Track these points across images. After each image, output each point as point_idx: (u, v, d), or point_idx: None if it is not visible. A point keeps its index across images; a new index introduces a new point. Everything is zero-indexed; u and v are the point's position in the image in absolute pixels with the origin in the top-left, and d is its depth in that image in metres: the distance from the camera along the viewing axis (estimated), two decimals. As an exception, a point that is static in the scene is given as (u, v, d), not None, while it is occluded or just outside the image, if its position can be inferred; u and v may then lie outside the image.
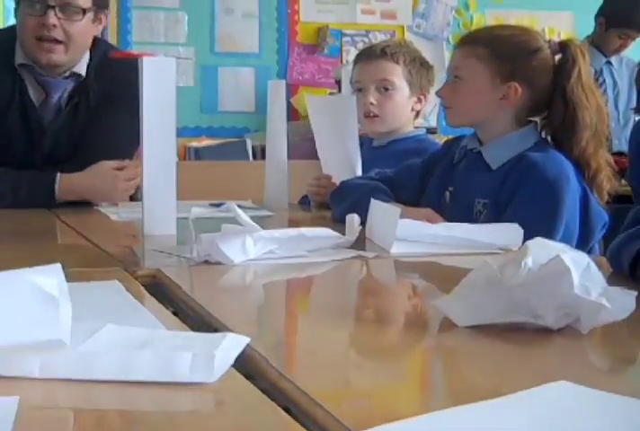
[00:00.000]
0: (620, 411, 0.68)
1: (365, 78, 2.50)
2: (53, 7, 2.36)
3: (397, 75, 2.47)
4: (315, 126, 2.36)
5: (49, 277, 0.75)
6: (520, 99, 1.88)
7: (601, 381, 0.79)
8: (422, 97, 2.50)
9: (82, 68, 2.48)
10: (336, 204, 2.07)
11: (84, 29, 2.42)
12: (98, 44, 2.53)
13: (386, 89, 2.47)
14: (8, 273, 0.76)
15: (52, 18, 2.36)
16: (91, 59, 2.49)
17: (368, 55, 2.52)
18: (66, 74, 2.48)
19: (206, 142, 4.71)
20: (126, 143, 2.50)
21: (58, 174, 2.37)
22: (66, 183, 2.38)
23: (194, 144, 4.67)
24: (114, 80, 2.49)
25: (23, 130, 2.48)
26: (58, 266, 0.77)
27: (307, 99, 2.55)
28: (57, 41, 2.38)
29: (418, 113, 2.58)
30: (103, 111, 2.50)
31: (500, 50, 1.91)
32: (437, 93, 2.08)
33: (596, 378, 0.80)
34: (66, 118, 2.49)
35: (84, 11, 2.39)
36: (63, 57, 2.42)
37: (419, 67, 2.51)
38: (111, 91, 2.50)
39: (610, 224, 1.84)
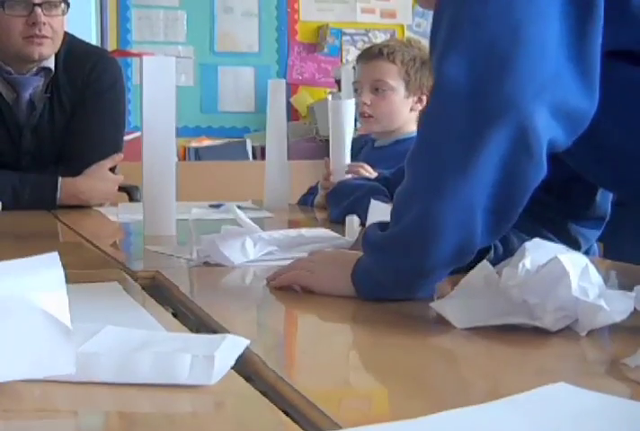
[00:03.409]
0: (619, 413, 0.68)
1: (361, 78, 2.54)
2: (40, 5, 2.36)
3: (392, 76, 2.48)
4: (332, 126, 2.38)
5: (60, 303, 0.73)
6: None
7: (600, 383, 0.79)
8: (423, 97, 2.50)
9: (51, 62, 2.49)
10: (334, 204, 2.07)
11: (63, 22, 2.44)
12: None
13: (380, 90, 2.48)
14: (8, 272, 0.76)
15: (42, 16, 2.36)
16: (57, 51, 2.50)
17: (366, 55, 2.55)
18: (35, 70, 2.47)
19: (206, 142, 4.72)
20: (112, 138, 2.51)
21: (60, 178, 2.38)
22: (69, 188, 2.38)
23: (194, 144, 4.67)
24: (83, 74, 2.51)
25: (1, 130, 2.48)
26: (56, 255, 0.77)
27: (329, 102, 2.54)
28: (45, 36, 2.39)
29: None
30: (82, 109, 2.51)
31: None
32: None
33: (594, 380, 0.80)
34: (41, 115, 2.49)
35: (66, 4, 2.40)
36: (51, 50, 2.44)
37: (419, 67, 2.51)
38: (83, 85, 2.51)
39: (610, 224, 1.83)
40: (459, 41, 1.06)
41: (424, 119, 1.10)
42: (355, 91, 2.54)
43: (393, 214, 1.09)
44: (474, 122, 1.02)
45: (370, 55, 2.52)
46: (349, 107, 2.30)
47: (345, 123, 2.29)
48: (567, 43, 1.04)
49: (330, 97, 2.59)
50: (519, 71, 1.02)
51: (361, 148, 2.54)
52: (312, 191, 2.49)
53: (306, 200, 2.49)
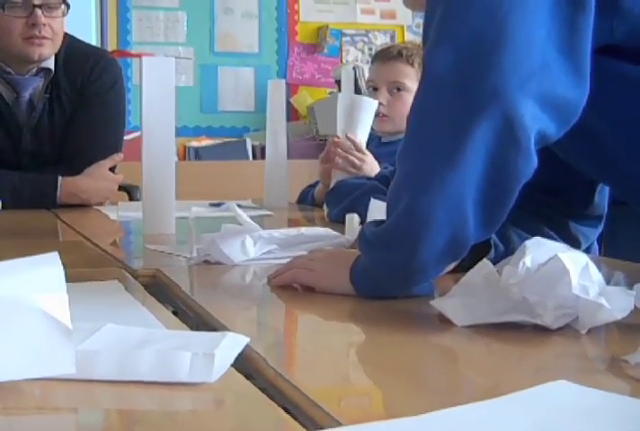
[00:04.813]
0: (619, 411, 0.68)
1: (378, 78, 2.55)
2: (40, 6, 2.36)
3: (410, 78, 2.51)
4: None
5: (60, 303, 0.73)
6: None
7: (600, 380, 0.79)
8: None
9: (50, 63, 2.49)
10: (333, 203, 2.07)
11: (63, 24, 2.45)
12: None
13: (398, 90, 2.50)
14: (8, 272, 0.76)
15: (42, 17, 2.37)
16: (57, 52, 2.50)
17: (385, 55, 2.57)
18: (34, 70, 2.48)
19: (205, 142, 4.72)
20: (112, 138, 2.52)
21: (60, 178, 2.38)
22: (69, 187, 2.38)
23: (194, 143, 4.67)
24: (83, 74, 2.51)
25: (1, 130, 2.48)
26: (56, 254, 0.77)
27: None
28: (45, 37, 2.40)
29: None
30: (81, 109, 2.51)
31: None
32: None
33: (595, 378, 0.80)
34: (41, 116, 2.49)
35: (66, 5, 2.40)
36: (50, 51, 2.45)
37: None
38: (83, 86, 2.51)
39: (610, 223, 1.83)
40: (447, 34, 1.05)
41: (412, 112, 1.09)
42: (373, 89, 2.56)
43: (387, 210, 1.09)
44: (460, 114, 1.02)
45: (389, 56, 2.54)
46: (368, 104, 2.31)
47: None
48: (557, 35, 1.04)
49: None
50: (503, 62, 1.01)
51: (368, 144, 2.55)
52: (313, 184, 2.50)
53: (307, 194, 2.49)
